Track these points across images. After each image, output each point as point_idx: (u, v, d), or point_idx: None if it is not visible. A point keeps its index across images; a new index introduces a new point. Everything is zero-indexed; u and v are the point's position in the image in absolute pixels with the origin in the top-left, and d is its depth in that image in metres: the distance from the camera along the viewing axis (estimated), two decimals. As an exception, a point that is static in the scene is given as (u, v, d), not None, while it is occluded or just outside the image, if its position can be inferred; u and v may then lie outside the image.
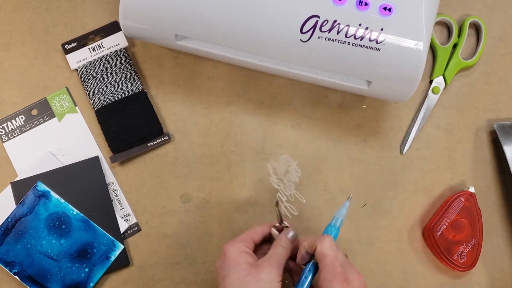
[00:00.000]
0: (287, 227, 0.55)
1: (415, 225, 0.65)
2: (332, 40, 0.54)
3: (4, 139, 0.65)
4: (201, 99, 0.67)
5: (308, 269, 0.50)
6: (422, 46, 0.53)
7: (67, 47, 0.66)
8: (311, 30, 0.54)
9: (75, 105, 0.66)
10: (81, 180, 0.63)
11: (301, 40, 0.54)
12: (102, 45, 0.67)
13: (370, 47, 0.54)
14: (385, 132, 0.66)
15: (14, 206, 0.62)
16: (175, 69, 0.67)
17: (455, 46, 0.67)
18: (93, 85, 0.65)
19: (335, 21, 0.53)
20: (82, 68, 0.66)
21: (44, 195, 0.62)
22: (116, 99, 0.65)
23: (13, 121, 0.65)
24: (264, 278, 0.48)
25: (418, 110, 0.67)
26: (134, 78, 0.66)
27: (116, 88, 0.65)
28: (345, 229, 0.64)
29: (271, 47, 0.56)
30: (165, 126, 0.66)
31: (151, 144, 0.64)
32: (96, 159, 0.64)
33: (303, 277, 0.50)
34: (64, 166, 0.64)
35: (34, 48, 0.67)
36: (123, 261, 0.62)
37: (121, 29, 0.61)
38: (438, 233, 0.62)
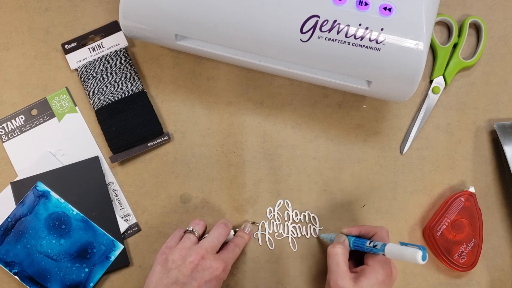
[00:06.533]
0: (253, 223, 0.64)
1: (415, 225, 0.65)
2: (332, 40, 0.54)
3: (4, 139, 0.65)
4: (201, 99, 0.67)
5: (374, 244, 0.54)
6: (422, 46, 0.53)
7: (67, 47, 0.66)
8: (311, 30, 0.54)
9: (75, 105, 0.66)
10: (81, 180, 0.63)
11: (301, 40, 0.54)
12: (102, 45, 0.67)
13: (370, 47, 0.54)
14: (385, 132, 0.66)
15: (14, 206, 0.62)
16: (175, 69, 0.67)
17: (455, 46, 0.67)
18: (93, 85, 0.65)
19: (335, 21, 0.53)
20: (82, 68, 0.66)
21: (44, 195, 0.62)
22: (116, 99, 0.65)
23: (13, 121, 0.65)
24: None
25: (418, 110, 0.67)
26: (134, 78, 0.66)
27: (116, 88, 0.65)
28: (345, 229, 0.64)
29: (271, 47, 0.56)
30: (165, 126, 0.66)
31: (151, 144, 0.64)
32: (96, 159, 0.64)
33: (367, 246, 0.55)
34: (64, 166, 0.64)
35: (34, 48, 0.67)
36: (123, 261, 0.62)
37: (121, 29, 0.61)
38: (438, 233, 0.62)
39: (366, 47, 0.54)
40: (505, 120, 0.66)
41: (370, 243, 0.55)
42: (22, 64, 0.66)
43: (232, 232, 0.61)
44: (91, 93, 0.65)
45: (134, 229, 0.64)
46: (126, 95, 0.65)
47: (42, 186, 0.63)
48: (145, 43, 0.67)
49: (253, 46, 0.57)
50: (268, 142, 0.66)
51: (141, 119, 0.64)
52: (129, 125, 0.64)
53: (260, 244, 0.64)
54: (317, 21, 0.54)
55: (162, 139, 0.65)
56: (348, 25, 0.53)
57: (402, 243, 0.51)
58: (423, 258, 0.47)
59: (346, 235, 0.59)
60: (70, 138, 0.65)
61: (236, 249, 0.59)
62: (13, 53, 0.67)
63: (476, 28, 0.68)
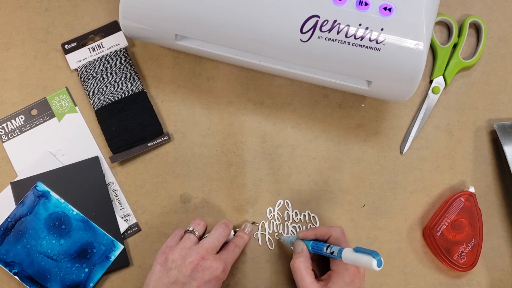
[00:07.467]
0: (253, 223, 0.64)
1: (415, 225, 0.65)
2: (332, 40, 0.54)
3: (4, 139, 0.65)
4: (201, 99, 0.67)
5: (331, 251, 0.54)
6: (422, 46, 0.53)
7: (67, 47, 0.66)
8: (311, 30, 0.54)
9: (75, 105, 0.66)
10: (81, 180, 0.63)
11: (301, 40, 0.54)
12: (102, 45, 0.67)
13: (370, 47, 0.54)
14: (385, 132, 0.66)
15: (14, 206, 0.62)
16: (175, 69, 0.67)
17: (455, 46, 0.67)
18: (93, 85, 0.65)
19: (335, 21, 0.53)
20: (82, 68, 0.66)
21: (44, 195, 0.62)
22: (116, 99, 0.65)
23: (13, 121, 0.65)
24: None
25: (418, 110, 0.67)
26: (134, 78, 0.66)
27: (116, 88, 0.65)
28: (345, 229, 0.64)
29: (271, 47, 0.56)
30: (165, 126, 0.66)
31: (151, 144, 0.64)
32: (96, 159, 0.64)
33: (324, 250, 0.55)
34: (64, 166, 0.64)
35: (34, 48, 0.67)
36: (123, 261, 0.62)
37: (121, 29, 0.61)
38: (438, 233, 0.62)
39: (366, 47, 0.54)
40: (505, 120, 0.66)
41: (327, 248, 0.54)
42: (22, 64, 0.66)
43: (232, 232, 0.61)
44: (91, 93, 0.65)
45: (134, 229, 0.64)
46: (126, 95, 0.65)
47: (42, 186, 0.63)
48: (145, 43, 0.67)
49: (253, 46, 0.57)
50: (268, 142, 0.66)
51: (141, 119, 0.64)
52: (129, 125, 0.64)
53: (260, 244, 0.64)
54: (317, 21, 0.54)
55: (162, 139, 0.65)
56: (348, 25, 0.53)
57: (357, 249, 0.50)
58: (379, 265, 0.47)
59: (304, 239, 0.59)
60: (70, 138, 0.65)
61: (236, 250, 0.59)
62: (13, 53, 0.67)
63: (476, 28, 0.68)
